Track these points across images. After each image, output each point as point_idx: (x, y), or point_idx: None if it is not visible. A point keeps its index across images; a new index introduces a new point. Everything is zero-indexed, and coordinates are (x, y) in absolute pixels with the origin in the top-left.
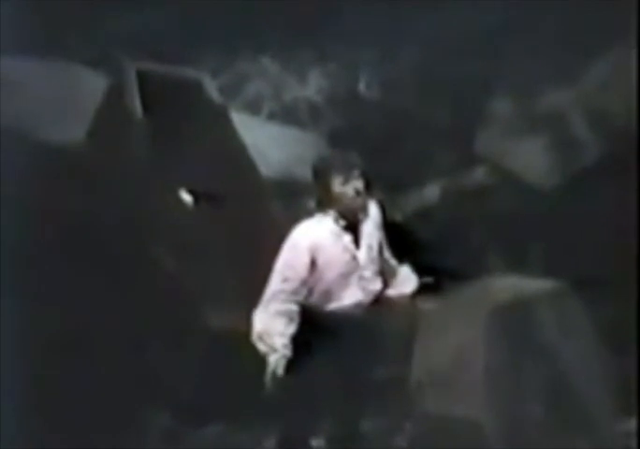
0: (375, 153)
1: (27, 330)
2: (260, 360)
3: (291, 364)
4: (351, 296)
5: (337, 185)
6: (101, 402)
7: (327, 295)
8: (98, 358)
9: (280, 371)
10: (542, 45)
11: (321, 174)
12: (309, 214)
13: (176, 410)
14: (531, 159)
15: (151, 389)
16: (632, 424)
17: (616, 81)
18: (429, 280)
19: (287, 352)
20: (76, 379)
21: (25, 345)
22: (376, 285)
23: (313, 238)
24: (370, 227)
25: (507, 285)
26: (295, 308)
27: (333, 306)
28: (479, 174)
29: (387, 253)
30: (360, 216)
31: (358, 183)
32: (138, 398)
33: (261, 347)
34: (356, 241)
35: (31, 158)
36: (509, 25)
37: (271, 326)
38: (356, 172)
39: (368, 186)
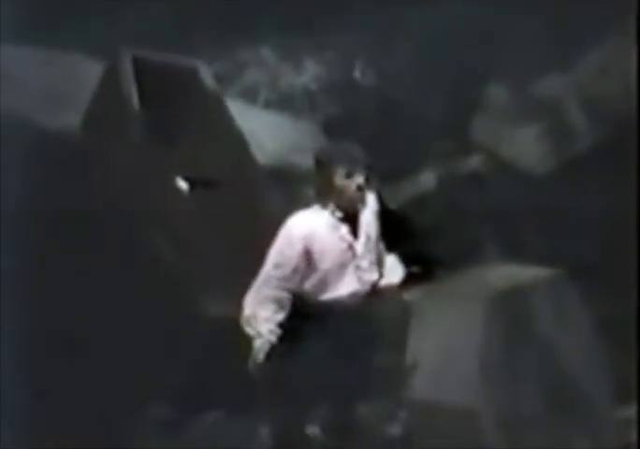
0: (371, 141)
1: (26, 317)
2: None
3: (285, 352)
4: (347, 286)
5: (339, 178)
6: (97, 390)
7: (324, 284)
8: (94, 347)
9: (260, 357)
10: (538, 32)
11: (323, 165)
12: (307, 205)
13: (172, 397)
14: (527, 147)
15: (147, 377)
16: (632, 411)
17: (611, 69)
18: (416, 269)
19: (272, 337)
20: (73, 368)
21: (24, 334)
22: (373, 275)
23: (308, 228)
24: (369, 217)
25: (503, 274)
26: (285, 295)
27: (329, 295)
28: (475, 162)
29: (379, 243)
30: (358, 206)
31: (361, 179)
32: (135, 387)
33: (249, 331)
34: (354, 230)
35: (27, 146)
36: (505, 13)
37: (259, 312)
38: (360, 167)
39: (368, 179)
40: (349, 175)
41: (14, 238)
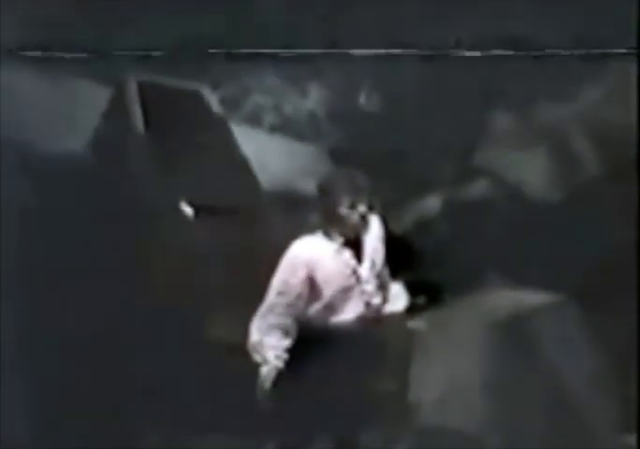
0: (375, 166)
1: (26, 344)
2: (258, 370)
3: (290, 376)
4: (353, 311)
5: (342, 207)
6: (98, 411)
7: (329, 309)
8: (97, 368)
9: (267, 384)
10: (542, 58)
11: (326, 193)
12: (311, 231)
13: (174, 419)
14: (532, 172)
15: (149, 398)
16: (632, 439)
17: (615, 96)
18: (420, 300)
19: (279, 363)
20: (74, 388)
21: (24, 358)
22: (378, 300)
23: (311, 254)
24: (374, 242)
25: (507, 299)
26: (291, 322)
27: (335, 320)
28: (479, 187)
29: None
30: (362, 232)
31: (364, 208)
32: (137, 407)
33: (255, 357)
34: (357, 255)
35: (32, 170)
36: (510, 38)
37: (265, 339)
38: (363, 195)
39: (371, 207)
40: (352, 205)
41: (15, 264)
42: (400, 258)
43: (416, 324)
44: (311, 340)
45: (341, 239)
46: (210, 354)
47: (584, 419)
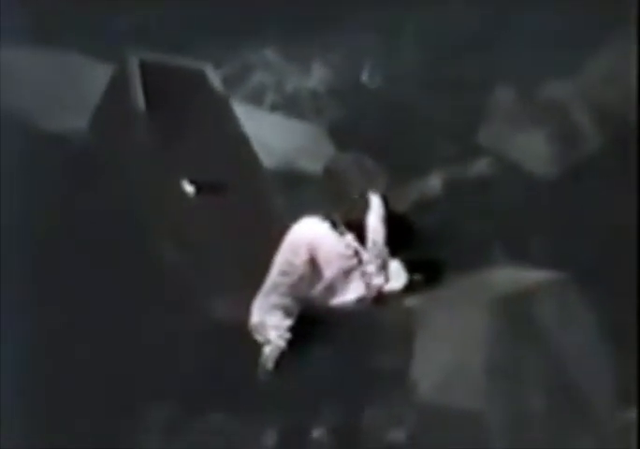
0: (377, 144)
1: (28, 322)
2: (261, 350)
3: (292, 356)
4: (355, 291)
5: (346, 189)
6: (101, 391)
7: (330, 290)
8: (99, 348)
9: (270, 364)
10: (543, 36)
11: (332, 176)
12: (313, 210)
13: (177, 399)
14: (533, 150)
15: (151, 379)
16: (633, 414)
17: (617, 72)
18: (418, 277)
19: (281, 343)
20: (77, 369)
21: (26, 337)
22: (380, 280)
23: (313, 235)
24: (375, 222)
25: (508, 277)
26: (292, 302)
27: (337, 301)
28: (481, 165)
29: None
30: (364, 213)
31: (368, 190)
32: (139, 388)
33: (257, 338)
34: (360, 236)
35: (33, 148)
36: (511, 17)
37: (267, 319)
38: (371, 180)
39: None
40: (358, 188)
41: (17, 240)
42: (401, 237)
43: (415, 301)
44: (312, 320)
45: (343, 221)
46: (211, 334)
47: (585, 396)
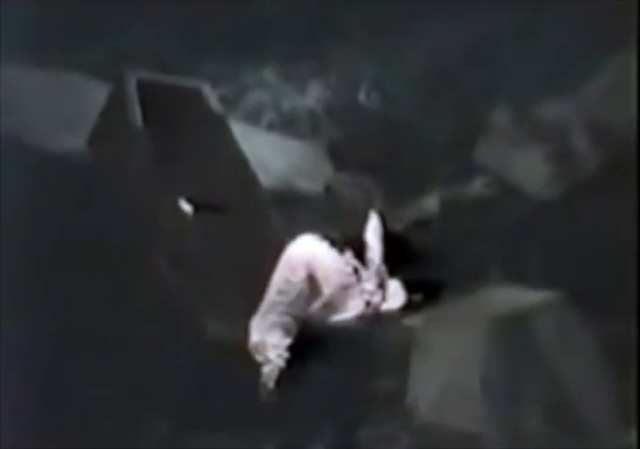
0: (374, 163)
1: (28, 340)
2: (259, 369)
3: (290, 374)
4: (353, 309)
5: (348, 208)
6: (100, 411)
7: (329, 307)
8: (97, 367)
9: (271, 384)
10: (542, 55)
11: (333, 195)
12: (310, 228)
13: (175, 418)
14: (531, 170)
15: (150, 397)
16: (632, 437)
17: (615, 92)
18: (417, 297)
19: (281, 362)
20: (76, 388)
21: (26, 355)
22: (378, 298)
23: (311, 253)
24: (374, 240)
25: (506, 297)
26: (291, 320)
27: (336, 318)
28: (479, 185)
29: (382, 266)
30: (363, 231)
31: (370, 214)
32: (138, 407)
33: (257, 358)
34: (359, 254)
35: (31, 167)
36: (509, 36)
37: (267, 338)
38: (369, 200)
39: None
40: (360, 211)
41: (17, 258)
42: (399, 256)
43: (414, 321)
44: (309, 339)
45: (342, 239)
46: (209, 354)
47: (583, 418)
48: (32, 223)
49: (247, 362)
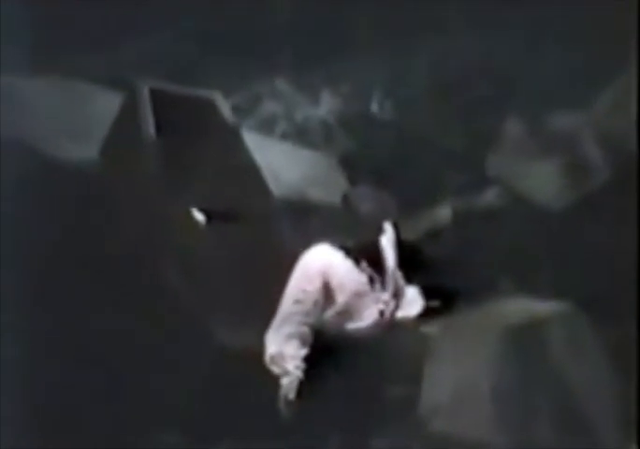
0: (387, 173)
1: (34, 347)
2: (271, 379)
3: (307, 384)
4: (368, 317)
5: (362, 219)
6: (110, 422)
7: (344, 316)
8: (107, 377)
9: (291, 395)
10: (554, 67)
11: (351, 207)
12: (324, 238)
13: (186, 429)
14: (543, 181)
15: (161, 409)
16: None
17: (627, 104)
18: (435, 303)
19: (300, 373)
20: (84, 398)
21: (31, 364)
22: (393, 306)
23: (326, 262)
24: (388, 249)
25: (518, 307)
26: (307, 330)
27: (351, 327)
28: (490, 195)
29: (398, 274)
30: (378, 240)
31: (385, 224)
32: (148, 418)
33: (274, 369)
34: (374, 262)
35: (44, 177)
36: (521, 48)
37: (284, 349)
38: (386, 212)
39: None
40: (376, 223)
41: (23, 268)
42: (412, 266)
43: (430, 328)
44: (324, 347)
45: (357, 248)
46: (220, 364)
47: (594, 427)
48: (44, 233)
49: (260, 372)
